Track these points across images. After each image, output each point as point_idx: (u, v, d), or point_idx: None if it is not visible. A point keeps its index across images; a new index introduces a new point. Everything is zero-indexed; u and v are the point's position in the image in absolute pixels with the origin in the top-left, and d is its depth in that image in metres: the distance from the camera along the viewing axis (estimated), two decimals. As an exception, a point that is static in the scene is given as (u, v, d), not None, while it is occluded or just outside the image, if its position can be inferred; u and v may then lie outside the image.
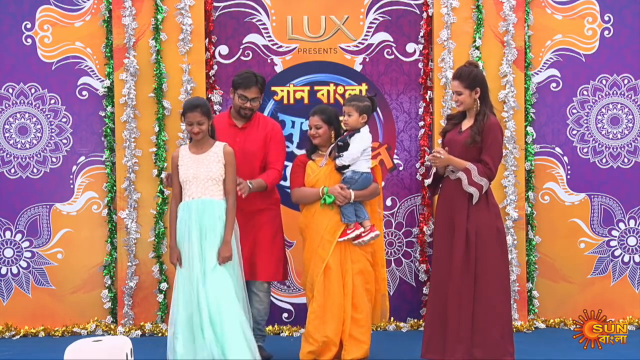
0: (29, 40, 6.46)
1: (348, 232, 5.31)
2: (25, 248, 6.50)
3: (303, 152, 5.70)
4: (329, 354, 5.30)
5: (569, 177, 6.63)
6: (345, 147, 5.30)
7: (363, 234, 5.31)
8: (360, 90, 6.46)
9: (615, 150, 6.64)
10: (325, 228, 5.33)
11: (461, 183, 5.02)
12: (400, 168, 6.59)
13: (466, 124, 5.14)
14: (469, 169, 5.00)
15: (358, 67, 6.55)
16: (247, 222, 5.40)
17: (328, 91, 6.52)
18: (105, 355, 4.36)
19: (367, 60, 6.55)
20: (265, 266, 5.50)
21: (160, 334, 6.29)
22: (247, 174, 5.36)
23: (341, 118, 5.48)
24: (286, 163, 6.10)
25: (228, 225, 5.05)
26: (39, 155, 6.49)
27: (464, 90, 5.07)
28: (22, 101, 6.48)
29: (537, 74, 6.58)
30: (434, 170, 5.26)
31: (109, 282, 6.44)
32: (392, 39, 6.55)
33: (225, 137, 5.33)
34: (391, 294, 6.58)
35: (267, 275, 5.52)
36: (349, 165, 5.32)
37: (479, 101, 5.08)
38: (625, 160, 6.65)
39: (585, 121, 6.63)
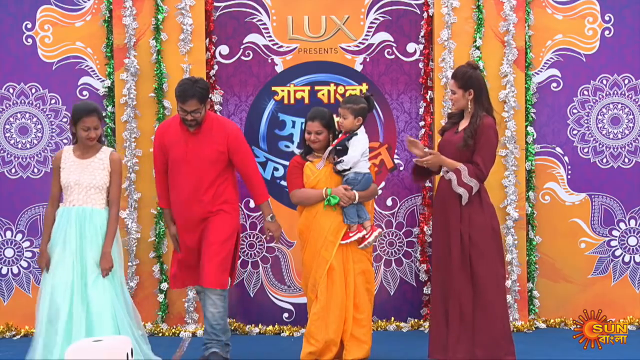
0: (30, 40, 6.46)
1: (350, 234, 5.33)
2: (25, 248, 6.50)
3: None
4: (329, 354, 5.31)
5: (569, 177, 6.62)
6: (344, 151, 5.31)
7: (367, 236, 5.34)
8: (360, 90, 6.45)
9: (615, 150, 6.64)
10: (329, 229, 5.33)
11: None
12: (401, 168, 6.59)
13: (463, 125, 5.15)
14: (460, 170, 5.00)
15: (358, 67, 6.55)
16: (196, 224, 5.31)
17: (328, 91, 6.52)
18: (106, 355, 4.35)
19: (368, 60, 6.55)
20: (209, 272, 5.27)
21: (160, 334, 6.29)
22: (196, 183, 5.25)
23: (336, 119, 5.49)
24: (285, 163, 6.12)
25: (108, 236, 4.93)
26: (39, 155, 6.49)
27: (458, 90, 5.10)
28: (22, 101, 6.48)
29: (538, 73, 6.58)
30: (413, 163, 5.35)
31: (110, 282, 6.44)
32: (392, 39, 6.55)
33: (176, 142, 5.26)
34: (392, 294, 6.59)
35: (210, 282, 5.28)
36: (350, 168, 5.34)
37: (472, 102, 5.08)
38: (626, 160, 6.64)
39: (585, 121, 6.63)
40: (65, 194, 4.99)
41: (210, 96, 5.51)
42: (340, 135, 5.42)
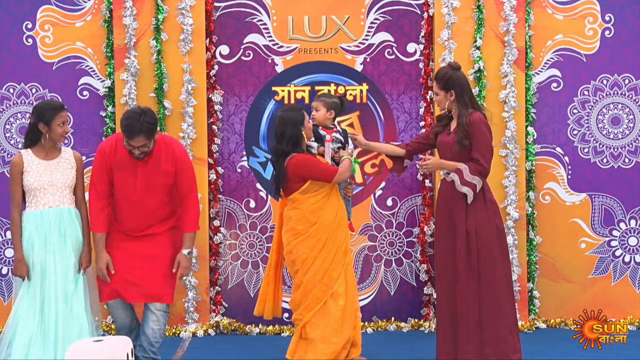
0: (30, 40, 6.46)
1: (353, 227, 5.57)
2: (26, 248, 6.50)
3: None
4: (344, 352, 5.30)
5: (569, 177, 6.62)
6: (343, 146, 5.50)
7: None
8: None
9: (616, 150, 6.64)
10: (346, 222, 5.41)
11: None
12: (401, 168, 6.59)
13: (453, 125, 5.16)
14: (461, 169, 5.01)
15: (359, 67, 6.55)
16: (145, 241, 5.06)
17: (329, 91, 6.51)
18: (106, 355, 4.37)
19: (368, 60, 6.55)
20: (169, 288, 5.12)
21: (161, 334, 6.29)
22: (151, 208, 5.02)
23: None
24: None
25: (87, 234, 4.97)
26: (39, 155, 6.49)
27: (440, 91, 5.13)
28: (22, 101, 6.48)
29: (538, 74, 6.58)
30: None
31: (110, 282, 6.44)
32: (392, 39, 6.55)
33: (123, 167, 4.96)
34: (392, 294, 6.60)
35: (170, 297, 5.13)
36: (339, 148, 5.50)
37: (455, 103, 5.09)
38: (626, 160, 6.64)
39: (586, 121, 6.63)
40: (34, 197, 4.86)
41: (158, 128, 5.01)
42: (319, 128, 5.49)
